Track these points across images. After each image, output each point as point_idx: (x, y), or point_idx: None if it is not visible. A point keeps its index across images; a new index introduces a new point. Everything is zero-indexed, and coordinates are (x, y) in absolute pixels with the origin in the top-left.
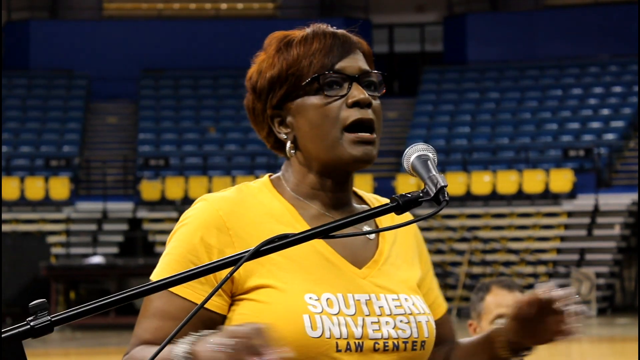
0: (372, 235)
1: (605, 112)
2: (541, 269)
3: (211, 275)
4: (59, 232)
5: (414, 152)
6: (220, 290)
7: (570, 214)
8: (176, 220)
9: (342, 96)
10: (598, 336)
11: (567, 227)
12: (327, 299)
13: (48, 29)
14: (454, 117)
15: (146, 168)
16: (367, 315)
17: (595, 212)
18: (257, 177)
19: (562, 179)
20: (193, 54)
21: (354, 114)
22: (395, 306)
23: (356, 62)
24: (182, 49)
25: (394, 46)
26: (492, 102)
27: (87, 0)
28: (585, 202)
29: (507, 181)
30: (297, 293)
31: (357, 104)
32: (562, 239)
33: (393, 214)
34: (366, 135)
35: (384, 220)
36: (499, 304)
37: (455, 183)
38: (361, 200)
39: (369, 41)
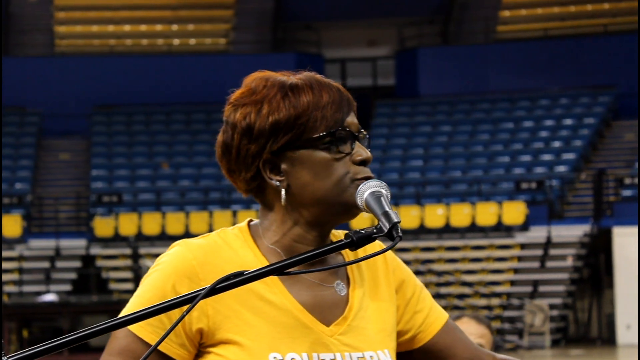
0: (343, 291)
1: (557, 144)
2: (495, 301)
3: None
4: (12, 270)
5: (367, 189)
6: (185, 339)
7: (523, 246)
8: (130, 256)
9: (348, 153)
10: None
11: (520, 259)
12: (292, 358)
13: None
14: (406, 151)
15: (99, 204)
16: None
17: (548, 243)
18: (210, 213)
19: (514, 211)
20: (145, 89)
21: (363, 172)
22: None
23: (354, 119)
24: (135, 85)
25: (346, 80)
26: (445, 135)
27: (38, 36)
28: (537, 234)
29: (460, 214)
30: (261, 352)
31: (364, 163)
32: (516, 271)
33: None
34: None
35: (354, 265)
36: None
37: (408, 216)
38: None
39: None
